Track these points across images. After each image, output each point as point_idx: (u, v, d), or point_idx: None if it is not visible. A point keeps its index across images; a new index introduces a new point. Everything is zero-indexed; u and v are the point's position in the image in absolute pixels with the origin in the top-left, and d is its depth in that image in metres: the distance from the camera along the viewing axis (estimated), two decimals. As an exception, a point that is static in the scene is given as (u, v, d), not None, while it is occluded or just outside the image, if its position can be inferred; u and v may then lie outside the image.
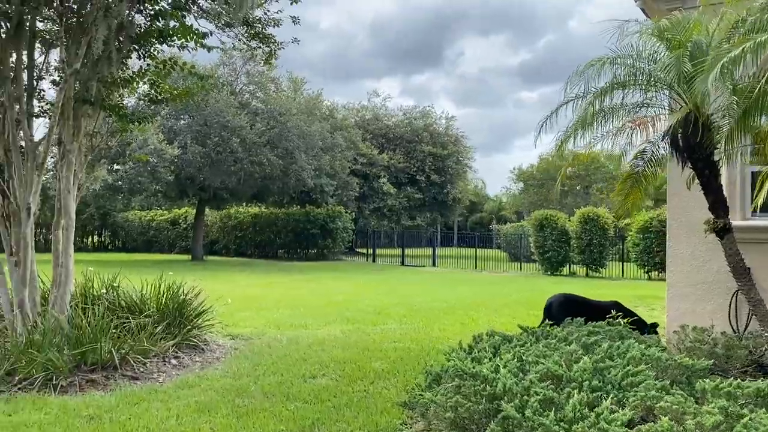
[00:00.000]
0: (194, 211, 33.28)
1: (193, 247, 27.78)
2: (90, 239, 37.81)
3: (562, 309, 7.21)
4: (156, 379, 6.51)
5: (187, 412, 5.18)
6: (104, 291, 8.38)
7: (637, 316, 7.23)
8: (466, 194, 40.08)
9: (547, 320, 6.98)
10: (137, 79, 7.81)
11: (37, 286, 7.41)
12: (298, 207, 31.65)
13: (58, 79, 8.37)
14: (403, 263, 28.54)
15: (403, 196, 35.57)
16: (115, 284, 8.45)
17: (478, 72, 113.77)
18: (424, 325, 9.75)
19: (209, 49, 7.85)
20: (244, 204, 31.89)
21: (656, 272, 21.65)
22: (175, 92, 8.00)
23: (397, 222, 36.25)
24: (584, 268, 23.33)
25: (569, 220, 24.11)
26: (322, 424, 4.90)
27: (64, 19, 6.84)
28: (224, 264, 25.17)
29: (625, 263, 23.68)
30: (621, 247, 24.15)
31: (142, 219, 34.89)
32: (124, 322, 7.38)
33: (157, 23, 7.41)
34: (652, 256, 21.28)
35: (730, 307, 6.93)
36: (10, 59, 7.29)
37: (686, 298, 7.30)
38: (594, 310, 6.91)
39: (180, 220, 33.58)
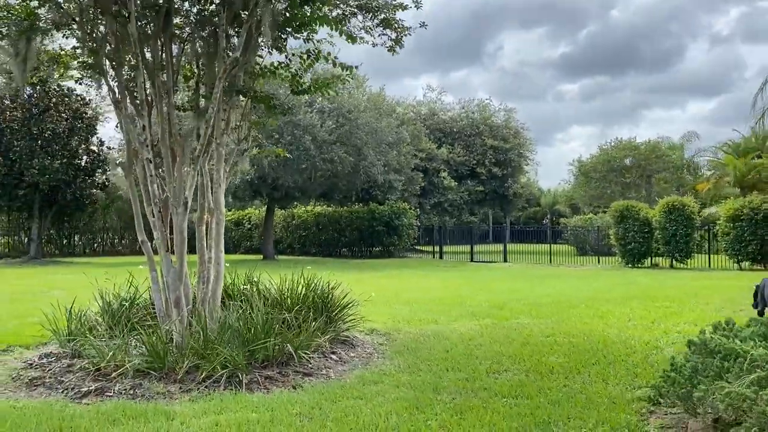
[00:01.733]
0: (257, 212, 33.47)
1: (264, 247, 27.81)
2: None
3: None
4: (326, 375, 6.26)
5: (399, 409, 4.88)
6: (245, 286, 8.22)
7: None
8: (528, 188, 39.32)
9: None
10: (281, 70, 7.59)
11: (189, 283, 7.26)
12: (361, 205, 31.47)
13: (189, 74, 8.26)
14: (472, 259, 28.06)
15: (464, 190, 35.08)
16: (254, 279, 8.29)
17: (517, 65, 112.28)
18: (560, 319, 9.33)
19: (353, 39, 7.58)
20: (313, 202, 31.80)
21: (747, 262, 20.77)
22: (318, 83, 7.75)
23: (458, 217, 35.75)
24: (668, 260, 22.52)
25: (650, 210, 23.29)
26: (556, 421, 4.55)
27: (225, 6, 6.64)
28: (298, 262, 25.09)
29: (711, 254, 22.81)
30: (708, 237, 23.24)
31: (205, 220, 35.20)
32: (274, 317, 7.16)
33: (304, 8, 7.16)
34: (744, 245, 20.40)
35: None
36: (160, 52, 7.16)
37: None
38: None
39: (244, 221, 33.76)
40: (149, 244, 7.31)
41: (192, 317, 6.96)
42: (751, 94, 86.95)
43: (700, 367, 4.22)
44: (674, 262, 22.23)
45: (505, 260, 27.49)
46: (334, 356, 7.01)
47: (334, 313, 7.78)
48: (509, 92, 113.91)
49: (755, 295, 7.50)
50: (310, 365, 6.46)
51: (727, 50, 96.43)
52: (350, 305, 7.94)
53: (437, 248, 30.40)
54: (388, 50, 8.91)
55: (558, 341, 7.53)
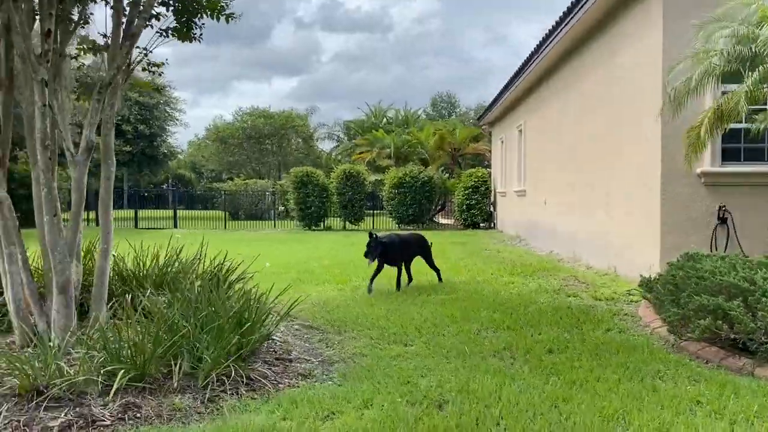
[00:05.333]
0: None
1: None
2: None
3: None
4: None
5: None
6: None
7: None
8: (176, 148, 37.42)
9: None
10: None
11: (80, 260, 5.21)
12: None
13: None
14: (137, 226, 25.68)
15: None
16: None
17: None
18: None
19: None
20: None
21: (409, 224, 24.27)
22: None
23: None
24: (341, 222, 24.67)
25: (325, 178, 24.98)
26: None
27: None
28: None
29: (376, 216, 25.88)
30: (373, 201, 26.22)
31: None
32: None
33: None
34: (406, 208, 23.72)
35: None
36: None
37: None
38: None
39: None
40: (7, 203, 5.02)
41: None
42: (326, 75, 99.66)
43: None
44: (347, 224, 24.49)
45: (175, 226, 25.98)
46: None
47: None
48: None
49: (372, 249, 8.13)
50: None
51: (308, 35, 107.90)
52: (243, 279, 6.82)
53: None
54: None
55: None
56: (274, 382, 4.54)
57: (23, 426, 3.62)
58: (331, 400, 4.07)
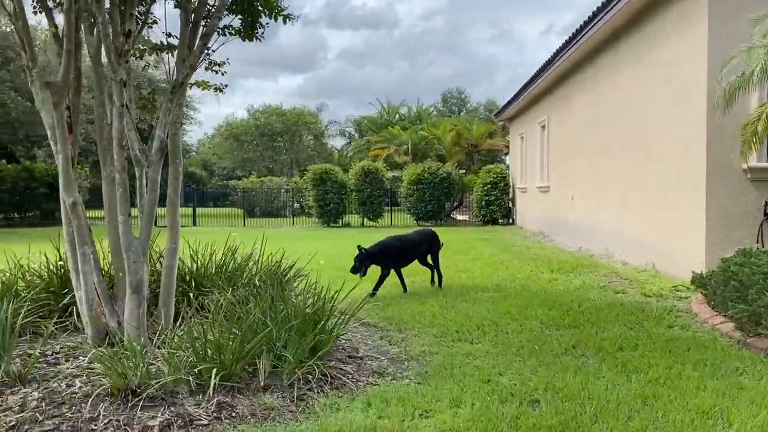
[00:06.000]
0: None
1: None
2: None
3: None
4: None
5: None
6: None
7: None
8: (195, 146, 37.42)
9: None
10: None
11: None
12: (3, 162, 25.55)
13: None
14: (156, 224, 25.69)
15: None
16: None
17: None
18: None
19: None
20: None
21: (428, 220, 24.26)
22: None
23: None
24: (360, 219, 24.67)
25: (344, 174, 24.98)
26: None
27: None
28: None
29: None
30: (390, 198, 26.18)
31: None
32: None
33: None
34: (424, 204, 23.68)
35: None
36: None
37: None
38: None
39: None
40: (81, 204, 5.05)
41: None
42: (333, 72, 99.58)
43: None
44: (366, 220, 24.49)
45: (195, 224, 26.05)
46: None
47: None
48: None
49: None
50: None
51: (314, 32, 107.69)
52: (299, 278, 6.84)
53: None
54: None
55: (493, 297, 7.90)
56: (354, 380, 4.56)
57: (124, 425, 3.64)
58: (420, 399, 4.08)
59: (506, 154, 38.30)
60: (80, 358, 4.87)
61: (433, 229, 9.47)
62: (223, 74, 5.81)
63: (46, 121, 5.14)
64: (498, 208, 22.91)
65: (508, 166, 25.85)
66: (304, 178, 26.60)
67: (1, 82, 18.38)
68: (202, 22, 5.09)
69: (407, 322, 6.35)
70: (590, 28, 11.76)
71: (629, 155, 11.12)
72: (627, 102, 11.26)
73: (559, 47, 14.22)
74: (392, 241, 8.23)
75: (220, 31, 5.82)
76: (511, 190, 23.16)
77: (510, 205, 23.18)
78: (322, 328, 4.82)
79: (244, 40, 5.78)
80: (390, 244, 8.13)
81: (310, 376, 4.34)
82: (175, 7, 5.18)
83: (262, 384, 4.21)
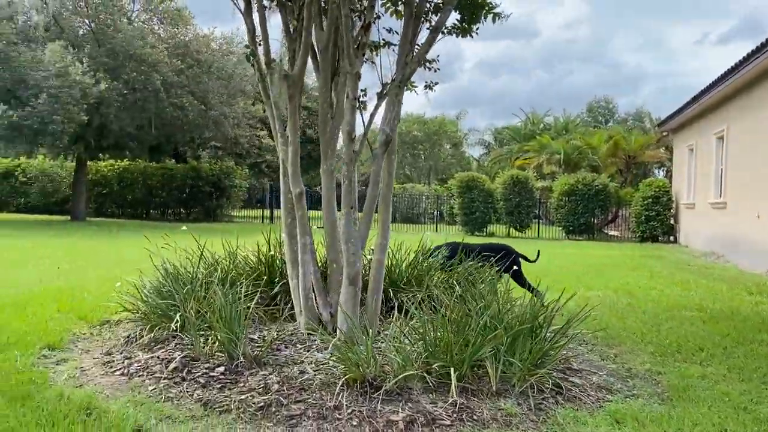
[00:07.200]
0: (37, 162, 27.74)
1: (75, 206, 22.77)
2: None
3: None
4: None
5: None
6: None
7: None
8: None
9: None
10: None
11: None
12: (173, 161, 27.91)
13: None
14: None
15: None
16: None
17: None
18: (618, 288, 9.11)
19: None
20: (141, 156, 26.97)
21: (580, 235, 23.21)
22: None
23: (276, 180, 33.85)
24: (505, 228, 24.13)
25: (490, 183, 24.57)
26: None
27: None
28: (123, 226, 21.10)
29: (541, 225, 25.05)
30: (539, 209, 25.43)
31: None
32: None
33: None
34: (576, 217, 22.62)
35: None
36: None
37: None
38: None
39: (17, 173, 27.37)
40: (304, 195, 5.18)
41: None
42: (469, 82, 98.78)
43: None
44: (512, 230, 23.88)
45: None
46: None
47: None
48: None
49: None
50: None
51: (453, 43, 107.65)
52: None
53: (267, 212, 28.30)
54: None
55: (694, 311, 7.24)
56: (583, 393, 4.24)
57: (367, 417, 3.59)
58: (677, 422, 3.69)
59: (660, 166, 35.98)
60: (297, 345, 4.95)
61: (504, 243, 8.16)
62: (436, 70, 5.72)
63: (274, 114, 5.32)
64: (659, 225, 21.38)
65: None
66: (447, 185, 26.48)
67: (180, 87, 19.82)
68: (432, 17, 5.03)
69: (614, 338, 5.91)
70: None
71: None
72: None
73: (747, 54, 12.99)
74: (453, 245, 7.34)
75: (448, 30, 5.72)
76: (674, 205, 21.57)
77: (672, 221, 21.59)
78: (543, 336, 4.57)
79: (457, 37, 5.66)
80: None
81: (543, 385, 4.09)
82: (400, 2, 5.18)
83: (494, 388, 4.01)
